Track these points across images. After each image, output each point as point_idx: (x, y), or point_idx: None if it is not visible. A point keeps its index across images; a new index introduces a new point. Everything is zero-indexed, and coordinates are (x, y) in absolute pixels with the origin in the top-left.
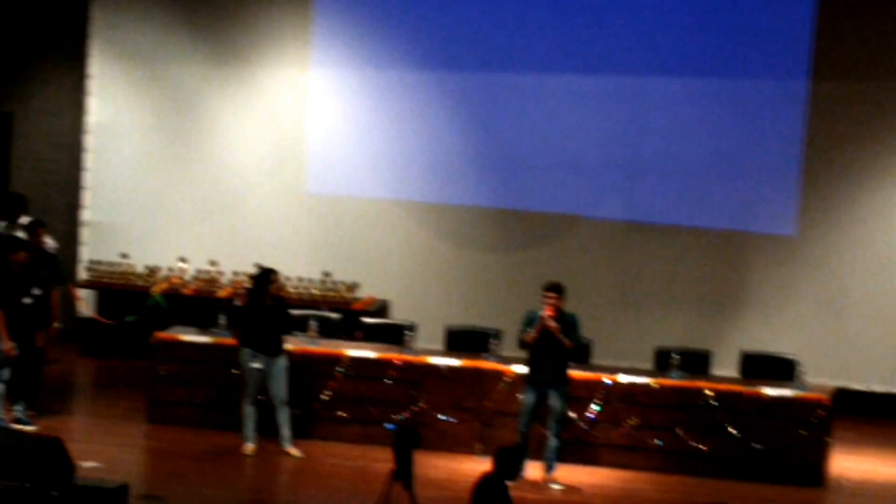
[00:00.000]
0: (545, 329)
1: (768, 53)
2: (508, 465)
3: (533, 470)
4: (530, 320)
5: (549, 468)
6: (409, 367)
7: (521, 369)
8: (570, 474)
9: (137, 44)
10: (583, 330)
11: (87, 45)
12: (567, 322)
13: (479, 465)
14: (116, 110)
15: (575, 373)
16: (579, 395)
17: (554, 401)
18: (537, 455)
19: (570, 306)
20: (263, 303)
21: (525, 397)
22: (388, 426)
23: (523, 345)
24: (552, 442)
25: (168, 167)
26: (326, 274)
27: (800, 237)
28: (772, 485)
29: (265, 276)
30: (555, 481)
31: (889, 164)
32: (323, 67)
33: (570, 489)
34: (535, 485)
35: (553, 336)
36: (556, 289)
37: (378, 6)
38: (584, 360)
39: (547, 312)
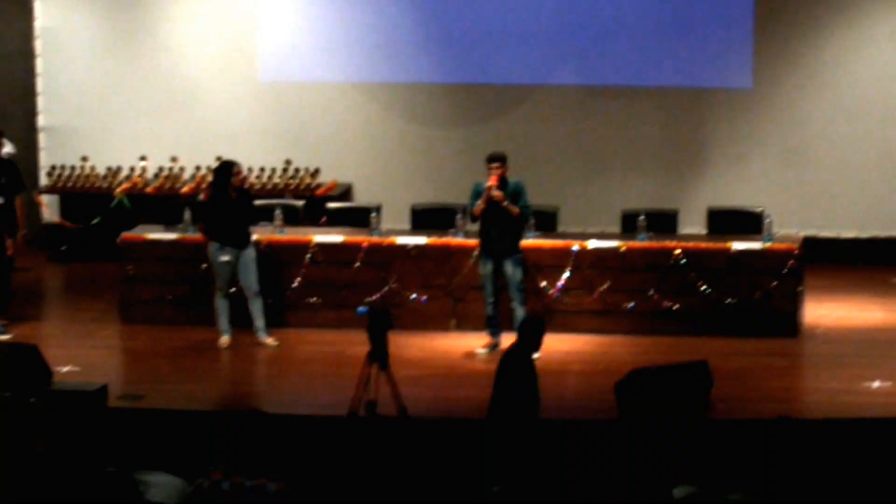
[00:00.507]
0: (492, 199)
1: None
2: (532, 336)
3: (507, 340)
4: (477, 192)
5: None
6: (377, 249)
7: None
8: (545, 343)
9: None
10: (546, 199)
11: None
12: (512, 190)
13: (453, 341)
14: (63, 13)
15: (543, 241)
16: (550, 263)
17: (509, 269)
18: (509, 326)
19: (533, 176)
20: (227, 195)
21: (482, 268)
22: (360, 310)
23: (473, 217)
24: (519, 311)
25: (121, 67)
26: (288, 162)
27: (757, 89)
28: (747, 338)
29: (226, 169)
30: None
31: (842, 7)
32: None
33: (544, 357)
34: None
35: (500, 205)
36: (498, 158)
37: None
38: (551, 228)
39: (491, 182)
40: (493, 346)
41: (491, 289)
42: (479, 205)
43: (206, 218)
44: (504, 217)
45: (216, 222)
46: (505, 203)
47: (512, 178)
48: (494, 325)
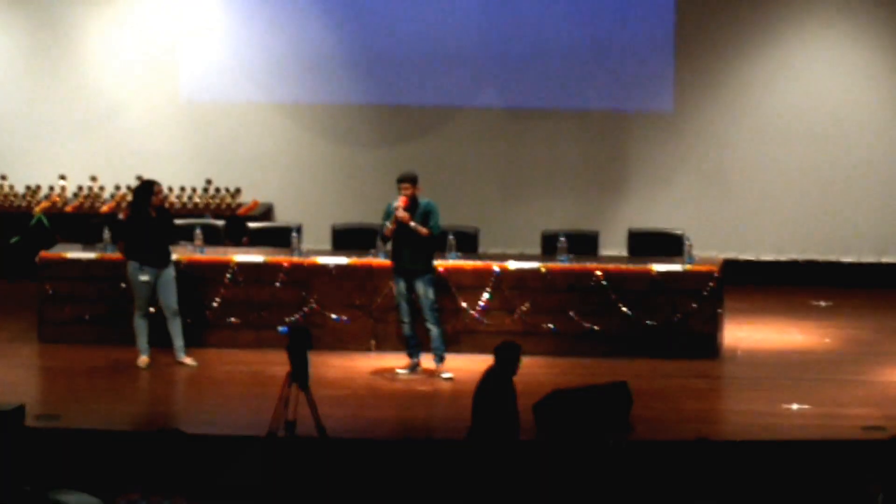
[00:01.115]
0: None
1: None
2: (509, 359)
3: (426, 361)
4: (389, 213)
5: (438, 359)
6: (297, 268)
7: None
8: (465, 363)
9: None
10: (462, 220)
11: None
12: (423, 210)
13: (374, 362)
14: None
15: (464, 262)
16: (470, 284)
17: (421, 289)
18: (427, 347)
19: (454, 197)
20: (147, 214)
21: (395, 288)
22: (281, 329)
23: (384, 238)
24: (434, 331)
25: (40, 85)
26: (209, 181)
27: (677, 112)
28: (667, 359)
29: (147, 188)
30: (445, 371)
31: (763, 31)
32: None
33: (464, 378)
34: (427, 376)
35: (409, 226)
36: (408, 179)
37: None
38: (472, 249)
39: (400, 203)
40: (414, 367)
41: (406, 308)
42: (389, 226)
43: (126, 237)
44: (414, 237)
45: (136, 241)
46: (412, 224)
47: (423, 198)
48: (413, 346)
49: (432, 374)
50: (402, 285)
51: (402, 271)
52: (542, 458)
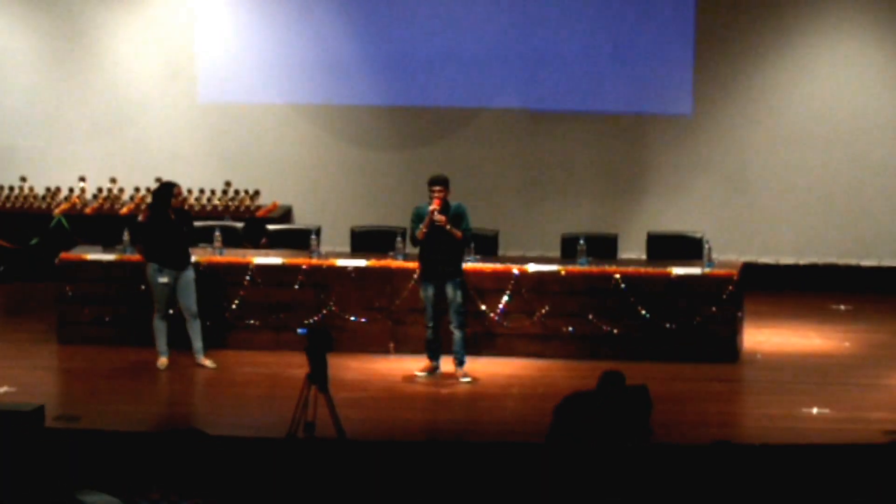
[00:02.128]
0: (434, 223)
1: None
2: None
3: (445, 365)
4: (419, 216)
5: (459, 363)
6: (316, 270)
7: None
8: (484, 366)
9: None
10: (487, 222)
11: None
12: (454, 213)
13: (393, 364)
14: (2, 35)
15: (484, 265)
16: (490, 287)
17: (451, 292)
18: (448, 349)
19: (473, 200)
20: (166, 216)
21: (424, 292)
22: (300, 331)
23: (415, 241)
24: (457, 334)
25: (60, 87)
26: (227, 183)
27: (696, 116)
28: (686, 363)
29: (166, 190)
30: (465, 375)
31: (782, 35)
32: None
33: (484, 381)
34: (446, 379)
35: (442, 229)
36: (440, 181)
37: None
38: (491, 252)
39: (434, 206)
40: (433, 370)
41: (432, 313)
42: (422, 229)
43: (145, 239)
44: (446, 241)
45: (155, 243)
46: (448, 227)
47: (453, 201)
48: (434, 349)
49: (451, 377)
50: (430, 290)
51: (432, 275)
52: (561, 462)
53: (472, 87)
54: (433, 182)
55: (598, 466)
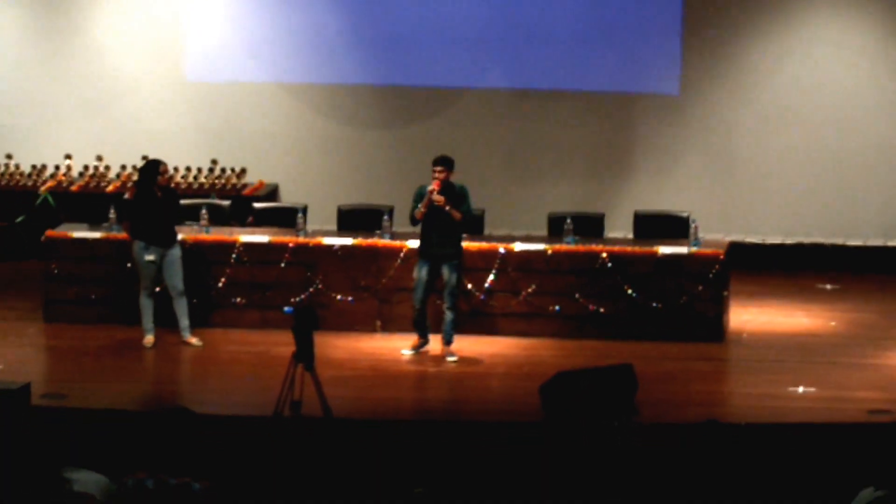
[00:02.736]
0: (433, 203)
1: None
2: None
3: (433, 343)
4: (420, 196)
5: (446, 341)
6: (303, 249)
7: (416, 244)
8: (470, 345)
9: None
10: (473, 201)
11: None
12: (456, 194)
13: (379, 343)
14: None
15: (470, 244)
16: (476, 265)
17: (448, 273)
18: (437, 328)
19: (459, 178)
20: (152, 194)
21: (418, 271)
22: (286, 309)
23: (414, 221)
24: (448, 315)
25: (46, 65)
26: (214, 161)
27: (684, 95)
28: (672, 342)
29: (152, 167)
30: (451, 353)
31: (770, 14)
32: None
33: (470, 360)
34: (433, 358)
35: (442, 210)
36: (443, 162)
37: None
38: (478, 231)
39: (434, 186)
40: (421, 346)
41: (421, 294)
42: (421, 209)
43: (132, 217)
44: (445, 221)
45: (141, 221)
46: (448, 208)
47: (456, 181)
48: (422, 326)
49: (437, 356)
50: (424, 270)
51: (430, 255)
52: (547, 441)
53: (458, 66)
54: (436, 162)
55: (585, 445)
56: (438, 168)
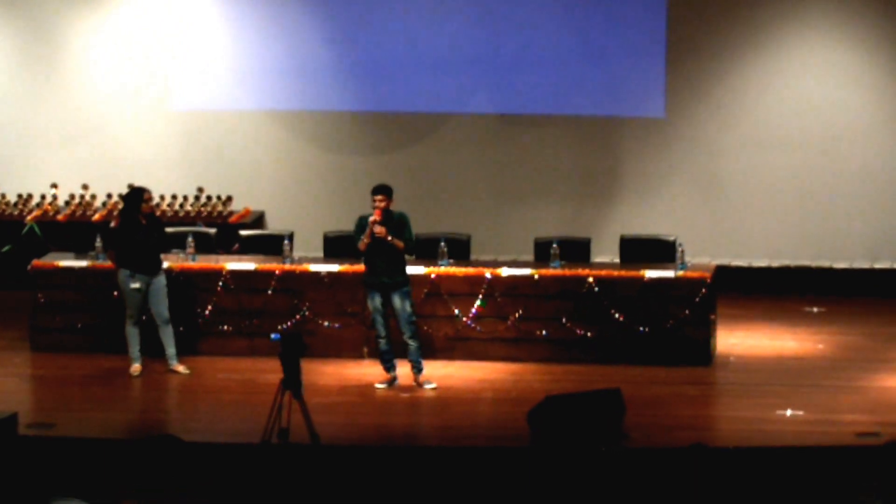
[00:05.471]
0: (375, 234)
1: None
2: None
3: (402, 368)
4: (361, 226)
5: (417, 370)
6: (289, 276)
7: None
8: (458, 370)
9: None
10: (459, 226)
11: None
12: (396, 222)
13: (366, 369)
14: None
15: (456, 269)
16: (463, 291)
17: (399, 302)
18: (405, 355)
19: (446, 204)
20: (137, 222)
21: (371, 302)
22: (273, 336)
23: (358, 252)
24: (412, 344)
25: (32, 94)
26: (200, 189)
27: (669, 118)
28: (660, 366)
29: (136, 195)
30: (428, 381)
31: (755, 38)
32: None
33: (457, 385)
34: (408, 388)
35: (384, 239)
36: (382, 190)
37: None
38: (463, 256)
39: (374, 217)
40: (392, 381)
41: (382, 322)
42: (364, 239)
43: (117, 245)
44: (389, 251)
45: (126, 249)
46: (389, 238)
47: (396, 210)
48: (389, 360)
49: (410, 388)
50: (377, 300)
51: (377, 285)
52: (536, 466)
53: (443, 91)
54: (375, 191)
55: (574, 470)
56: (378, 197)
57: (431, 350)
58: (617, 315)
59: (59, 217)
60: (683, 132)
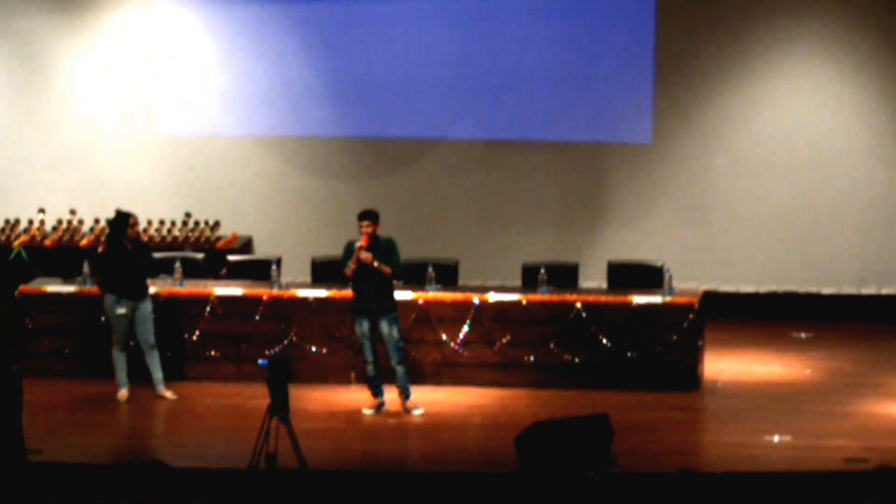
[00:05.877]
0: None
1: None
2: None
3: (390, 394)
4: (349, 252)
5: (406, 396)
6: (277, 301)
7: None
8: (446, 396)
9: None
10: (447, 250)
11: None
12: (383, 248)
13: (354, 394)
14: None
15: (444, 295)
16: (450, 316)
17: (387, 328)
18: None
19: (434, 229)
20: (122, 247)
21: (359, 328)
22: (261, 362)
23: (345, 278)
24: (399, 370)
25: (19, 118)
26: (188, 214)
27: (656, 144)
28: (648, 391)
29: (122, 220)
30: (416, 406)
31: (742, 63)
32: (168, 4)
33: (445, 411)
34: (395, 414)
35: (372, 266)
36: (368, 216)
37: None
38: (451, 281)
39: (361, 243)
40: (380, 407)
41: (370, 347)
42: (351, 265)
43: (103, 270)
44: (376, 277)
45: (112, 275)
46: (376, 264)
47: (383, 235)
48: (377, 386)
49: (398, 413)
50: (365, 325)
51: (364, 311)
52: (524, 492)
53: (430, 117)
54: (361, 217)
55: (562, 495)
56: (365, 223)
57: (419, 375)
58: (605, 340)
59: (47, 242)
60: (671, 158)
